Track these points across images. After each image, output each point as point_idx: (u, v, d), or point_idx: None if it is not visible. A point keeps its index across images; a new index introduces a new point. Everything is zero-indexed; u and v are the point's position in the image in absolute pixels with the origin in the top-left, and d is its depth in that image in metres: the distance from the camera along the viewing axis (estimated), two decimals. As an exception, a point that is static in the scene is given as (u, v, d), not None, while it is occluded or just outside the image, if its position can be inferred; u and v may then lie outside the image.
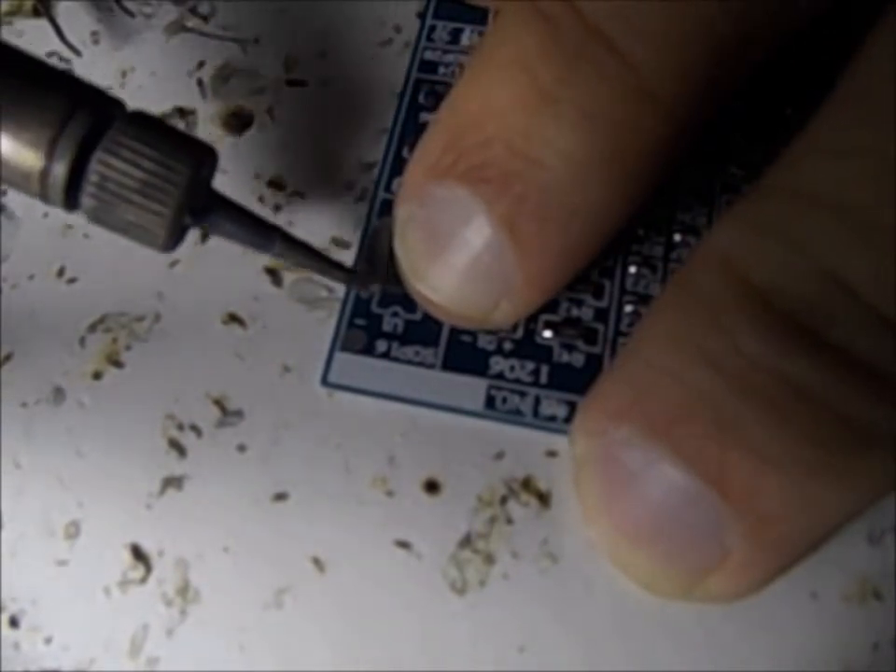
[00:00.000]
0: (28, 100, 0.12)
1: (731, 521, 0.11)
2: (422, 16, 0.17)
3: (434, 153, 0.13)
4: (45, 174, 0.12)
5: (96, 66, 0.18)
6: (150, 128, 0.13)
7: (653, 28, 0.12)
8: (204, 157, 0.13)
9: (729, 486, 0.11)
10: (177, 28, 0.18)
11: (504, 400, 0.14)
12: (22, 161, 0.12)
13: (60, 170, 0.12)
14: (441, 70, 0.17)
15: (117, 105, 0.13)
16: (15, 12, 0.19)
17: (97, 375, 0.15)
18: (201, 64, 0.18)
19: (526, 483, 0.14)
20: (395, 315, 0.15)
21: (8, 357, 0.15)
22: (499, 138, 0.12)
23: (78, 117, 0.12)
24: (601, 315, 0.14)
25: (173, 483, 0.14)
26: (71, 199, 0.13)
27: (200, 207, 0.13)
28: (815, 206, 0.11)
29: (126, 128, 0.12)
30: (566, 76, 0.12)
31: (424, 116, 0.16)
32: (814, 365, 0.10)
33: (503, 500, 0.14)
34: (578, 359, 0.14)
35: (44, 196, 0.13)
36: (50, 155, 0.12)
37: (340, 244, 0.16)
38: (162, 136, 0.13)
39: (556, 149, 0.12)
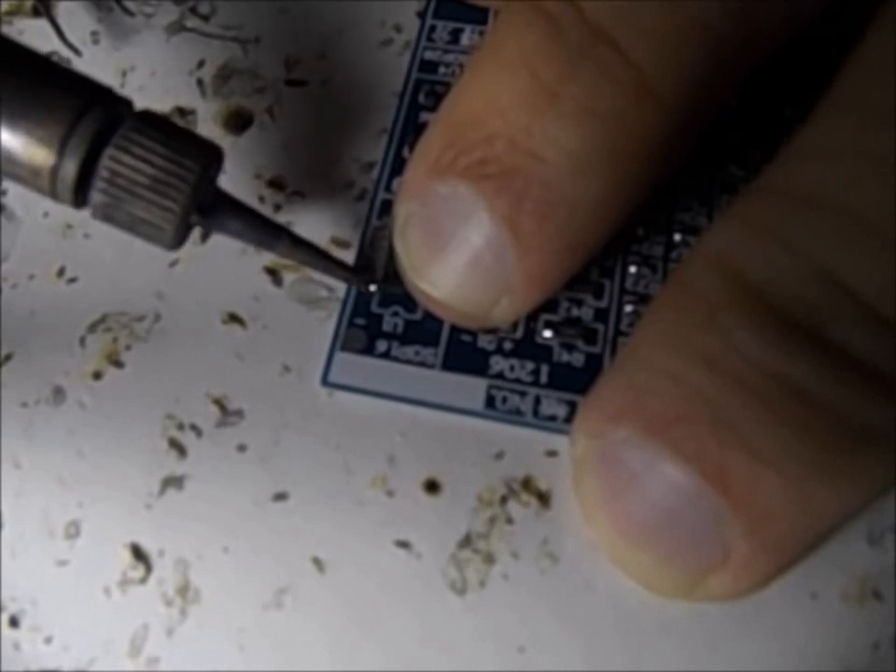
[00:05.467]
0: (39, 98, 0.12)
1: (731, 520, 0.11)
2: (422, 16, 0.17)
3: (435, 151, 0.13)
4: (55, 170, 0.12)
5: (96, 66, 0.17)
6: (160, 126, 0.13)
7: (655, 27, 0.12)
8: (212, 155, 0.13)
9: (729, 486, 0.11)
10: (177, 28, 0.18)
11: (504, 400, 0.14)
12: (33, 158, 0.12)
13: (70, 167, 0.12)
14: (441, 70, 0.17)
15: (125, 103, 0.13)
16: (15, 12, 0.19)
17: (97, 375, 0.15)
18: (201, 64, 0.18)
19: (526, 483, 0.14)
20: (395, 314, 0.15)
21: (8, 357, 0.15)
22: (501, 135, 0.12)
23: (89, 115, 0.12)
24: (601, 315, 0.14)
25: (173, 482, 0.14)
26: (80, 196, 0.13)
27: (206, 205, 0.13)
28: (810, 207, 0.11)
29: (137, 125, 0.13)
30: (567, 73, 0.12)
31: (424, 116, 0.16)
32: (811, 364, 0.10)
33: (503, 500, 0.14)
34: (578, 359, 0.14)
35: (53, 193, 0.13)
36: (62, 152, 0.12)
37: (340, 244, 0.16)
38: (172, 135, 0.13)
39: (558, 146, 0.12)
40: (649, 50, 0.12)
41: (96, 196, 0.13)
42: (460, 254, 0.13)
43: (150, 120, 0.13)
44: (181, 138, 0.13)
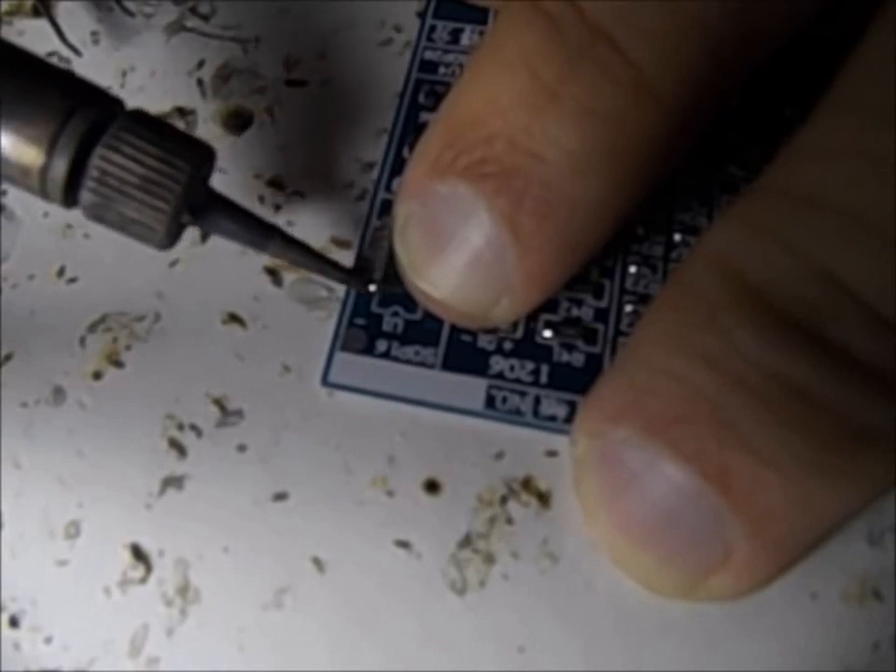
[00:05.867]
0: (29, 97, 0.12)
1: (732, 520, 0.11)
2: (422, 16, 0.17)
3: (434, 150, 0.13)
4: (45, 169, 0.12)
5: (96, 66, 0.18)
6: (151, 126, 0.13)
7: (655, 27, 0.12)
8: (204, 155, 0.13)
9: (729, 486, 0.11)
10: (177, 28, 0.18)
11: (504, 400, 0.14)
12: (23, 157, 0.12)
13: (60, 166, 0.12)
14: (441, 70, 0.17)
15: (116, 103, 0.13)
16: (15, 12, 0.19)
17: (97, 375, 0.15)
18: (201, 64, 0.18)
19: (526, 483, 0.14)
20: (395, 314, 0.15)
21: (8, 357, 0.15)
22: (501, 135, 0.12)
23: (79, 114, 0.12)
24: (601, 315, 0.14)
25: (173, 482, 0.14)
26: (70, 195, 0.13)
27: (198, 205, 0.13)
28: (810, 207, 0.11)
29: (127, 124, 0.13)
30: (567, 73, 0.12)
31: (424, 116, 0.16)
32: (812, 364, 0.10)
33: (503, 500, 0.14)
34: (578, 359, 0.14)
35: (43, 192, 0.13)
36: (51, 151, 0.12)
37: (340, 244, 0.16)
38: (163, 134, 0.13)
39: (558, 145, 0.12)
40: (649, 50, 0.12)
41: (86, 196, 0.13)
42: (460, 254, 0.13)
43: (141, 120, 0.13)
44: (172, 138, 0.13)
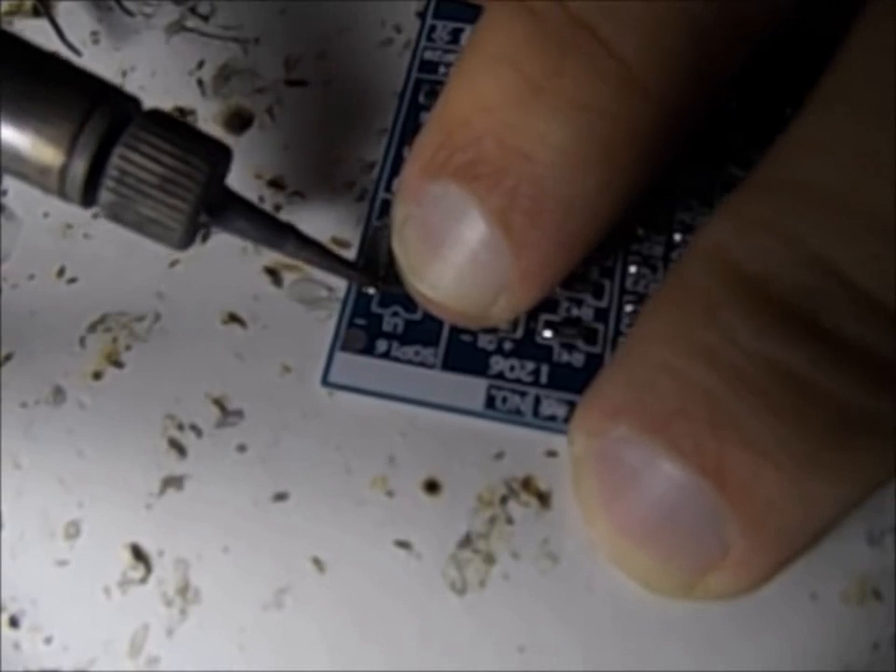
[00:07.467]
0: (48, 97, 0.12)
1: (730, 517, 0.11)
2: (422, 16, 0.17)
3: (428, 151, 0.13)
4: (64, 169, 0.12)
5: (96, 66, 0.17)
6: (169, 125, 0.13)
7: (638, 19, 0.12)
8: (221, 154, 0.13)
9: (727, 482, 0.11)
10: (177, 28, 0.18)
11: (504, 400, 0.14)
12: (42, 157, 0.12)
13: (80, 166, 0.12)
14: (441, 70, 0.17)
15: (133, 101, 0.13)
16: (15, 12, 0.19)
17: (97, 375, 0.15)
18: (201, 64, 0.18)
19: (526, 483, 0.14)
20: (395, 314, 0.15)
21: (8, 357, 0.15)
22: (489, 134, 0.12)
23: (98, 113, 0.12)
24: (601, 314, 0.14)
25: (173, 482, 0.14)
26: (88, 195, 0.13)
27: (214, 204, 0.13)
28: (803, 197, 0.11)
29: (146, 124, 0.13)
30: (553, 69, 0.12)
31: (424, 116, 0.16)
32: (810, 354, 0.10)
33: (503, 500, 0.14)
34: (578, 359, 0.14)
35: (61, 192, 0.13)
36: (71, 151, 0.12)
37: (340, 244, 0.16)
38: (182, 133, 0.13)
39: (546, 142, 0.12)
40: (633, 42, 0.12)
41: (105, 195, 0.13)
42: (456, 254, 0.13)
43: (159, 119, 0.13)
44: (190, 137, 0.13)
